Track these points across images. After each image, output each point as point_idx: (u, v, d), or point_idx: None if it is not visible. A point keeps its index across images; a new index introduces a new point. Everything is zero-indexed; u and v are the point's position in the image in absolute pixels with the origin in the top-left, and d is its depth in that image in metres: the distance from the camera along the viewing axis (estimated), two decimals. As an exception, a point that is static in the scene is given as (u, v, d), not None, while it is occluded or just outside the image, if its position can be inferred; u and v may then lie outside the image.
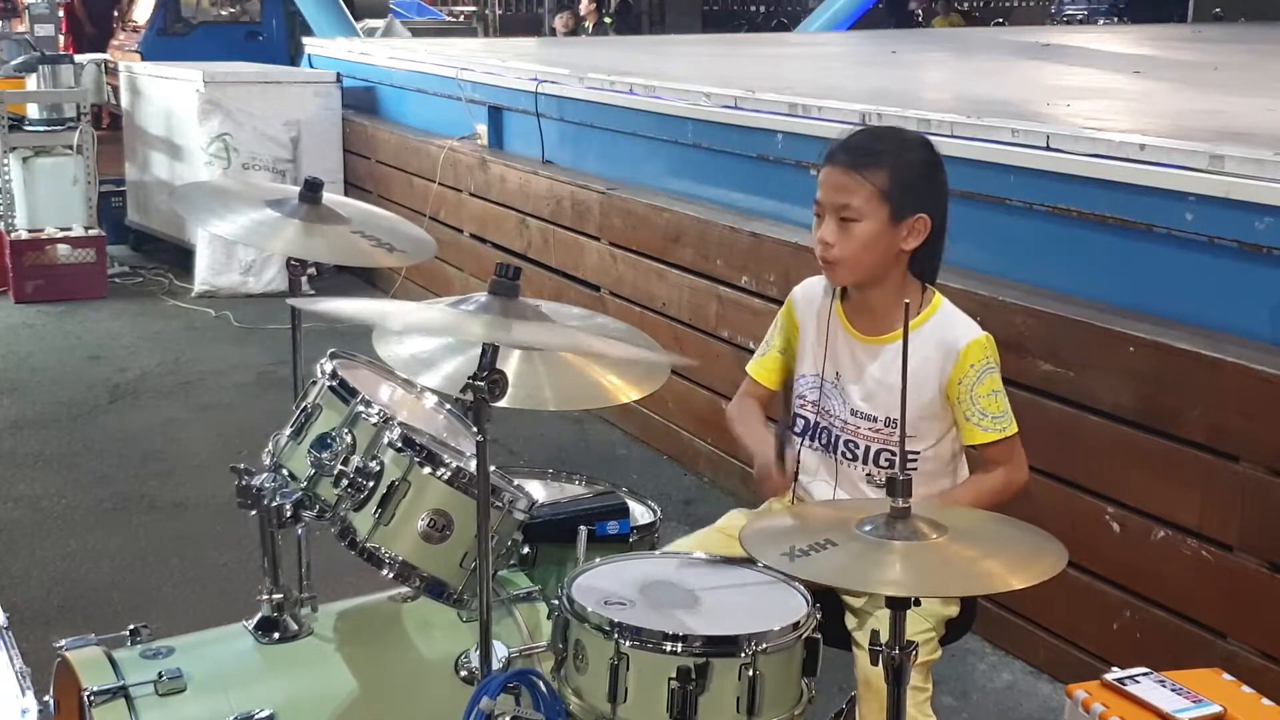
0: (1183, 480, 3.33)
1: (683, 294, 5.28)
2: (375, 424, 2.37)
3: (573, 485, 2.91)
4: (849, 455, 2.62)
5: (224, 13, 14.71)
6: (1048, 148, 3.98)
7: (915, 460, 2.56)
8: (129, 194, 9.21)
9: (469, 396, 2.13)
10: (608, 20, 14.79)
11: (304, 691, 2.45)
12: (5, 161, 8.14)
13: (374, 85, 8.97)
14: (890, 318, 2.58)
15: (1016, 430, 2.56)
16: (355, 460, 2.35)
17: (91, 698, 2.27)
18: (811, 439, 2.68)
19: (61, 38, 11.25)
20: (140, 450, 5.47)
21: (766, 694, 2.05)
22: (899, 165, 2.53)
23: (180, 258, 8.49)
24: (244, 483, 2.47)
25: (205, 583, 4.23)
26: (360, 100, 8.91)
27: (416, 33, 15.02)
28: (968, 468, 2.68)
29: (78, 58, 9.12)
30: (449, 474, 2.33)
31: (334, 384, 2.47)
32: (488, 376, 2.12)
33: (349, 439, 2.38)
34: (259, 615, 2.51)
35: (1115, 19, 19.67)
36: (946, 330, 2.57)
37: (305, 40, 10.72)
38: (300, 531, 2.51)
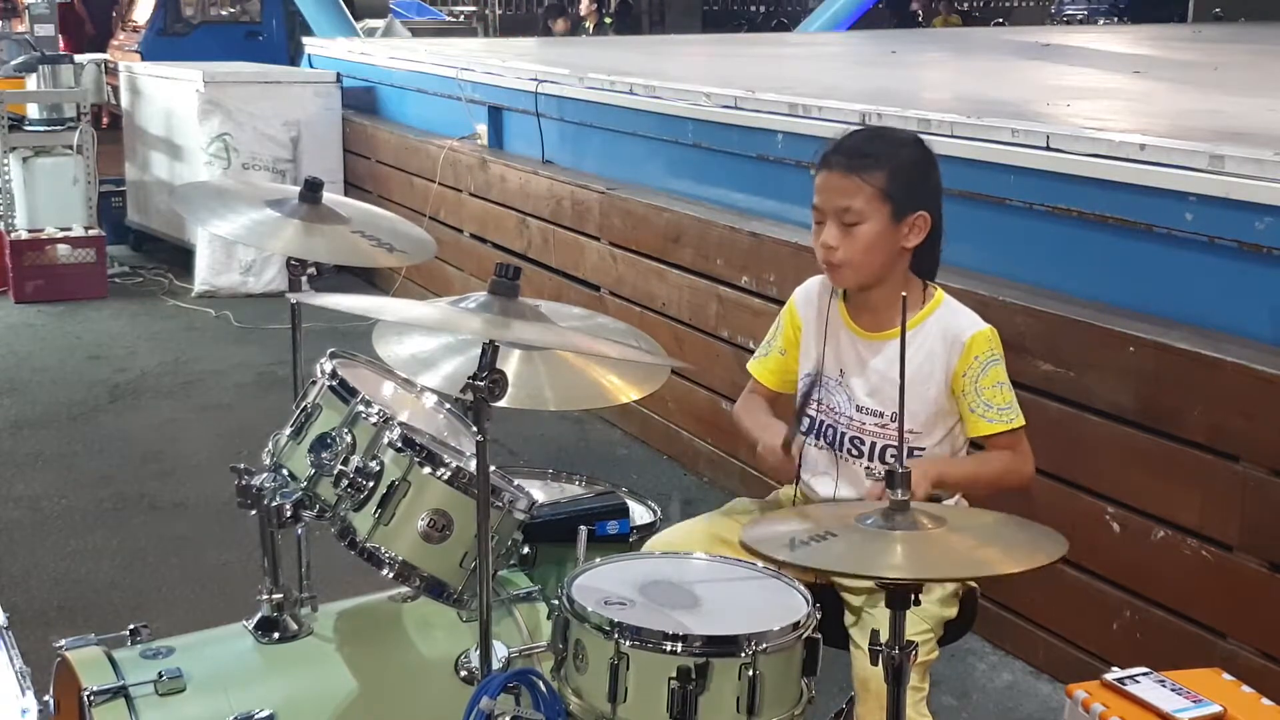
0: (1183, 480, 3.33)
1: (683, 294, 5.28)
2: (375, 424, 2.37)
3: (573, 485, 2.91)
4: (854, 452, 2.62)
5: (224, 13, 14.72)
6: (1048, 148, 3.98)
7: (919, 456, 2.56)
8: (129, 194, 9.21)
9: (469, 396, 2.13)
10: (608, 20, 14.79)
11: (304, 691, 2.45)
12: (5, 161, 8.14)
13: (374, 85, 8.97)
14: (892, 314, 2.57)
15: (1024, 424, 2.56)
16: (355, 460, 2.35)
17: (91, 698, 2.27)
18: (816, 436, 2.68)
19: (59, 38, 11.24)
20: (140, 450, 5.47)
21: (766, 694, 2.05)
22: (896, 164, 2.54)
23: (180, 258, 8.49)
24: (244, 483, 2.47)
25: (205, 583, 4.23)
26: (360, 100, 8.91)
27: (416, 33, 15.03)
28: None
29: (78, 58, 9.12)
30: (449, 474, 2.33)
31: (334, 384, 2.47)
32: (488, 376, 2.12)
33: (349, 439, 2.38)
34: (259, 615, 2.51)
35: (1115, 19, 19.68)
36: (950, 324, 2.58)
37: (305, 40, 10.72)
38: (300, 531, 2.52)
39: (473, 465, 2.27)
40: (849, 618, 2.55)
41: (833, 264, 2.57)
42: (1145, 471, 3.43)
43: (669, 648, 2.03)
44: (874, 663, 1.98)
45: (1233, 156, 3.48)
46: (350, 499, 2.35)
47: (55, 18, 10.01)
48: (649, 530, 2.74)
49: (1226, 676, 2.39)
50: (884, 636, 1.97)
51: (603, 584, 2.22)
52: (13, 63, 8.80)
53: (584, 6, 15.10)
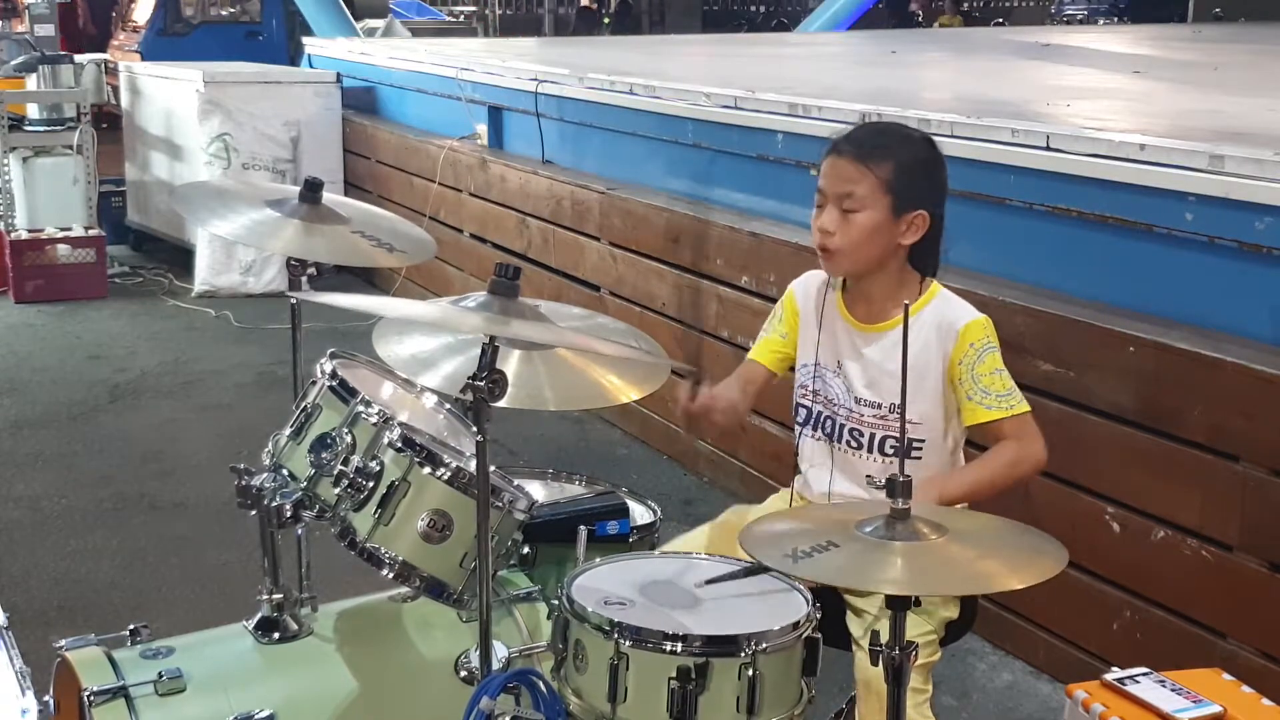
0: (1183, 480, 3.33)
1: (683, 294, 5.28)
2: (375, 424, 2.37)
3: (573, 485, 2.91)
4: (854, 444, 2.62)
5: (224, 13, 14.72)
6: (1048, 148, 3.98)
7: (920, 449, 2.56)
8: (129, 194, 9.21)
9: (469, 396, 2.13)
10: (605, 21, 14.78)
11: (304, 691, 2.45)
12: (5, 161, 8.14)
13: (374, 85, 8.97)
14: (888, 306, 2.60)
15: (1028, 408, 2.55)
16: (355, 460, 2.35)
17: (91, 698, 2.27)
18: (814, 428, 2.68)
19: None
20: (140, 450, 5.47)
21: (766, 694, 2.05)
22: (904, 159, 2.55)
23: (180, 258, 8.49)
24: (244, 483, 2.47)
25: (205, 583, 4.23)
26: (360, 100, 8.91)
27: (416, 33, 15.02)
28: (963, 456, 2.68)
29: (77, 58, 9.12)
30: (449, 474, 2.33)
31: (334, 384, 2.47)
32: (488, 376, 2.12)
33: (349, 439, 2.38)
34: (259, 615, 2.51)
35: (1115, 19, 19.68)
36: (944, 314, 2.58)
37: (305, 40, 10.72)
38: (300, 531, 2.52)
39: (473, 465, 2.27)
40: (853, 622, 2.54)
41: (827, 249, 2.57)
42: (1145, 471, 3.43)
43: (669, 648, 2.03)
44: (874, 663, 1.98)
45: (1233, 156, 3.48)
46: (350, 499, 2.35)
47: (55, 18, 10.02)
48: (649, 530, 2.74)
49: (1226, 676, 2.39)
50: (884, 637, 1.97)
51: (603, 584, 2.22)
52: (13, 63, 8.81)
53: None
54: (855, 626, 2.54)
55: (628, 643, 2.04)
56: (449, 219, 7.28)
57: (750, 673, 2.03)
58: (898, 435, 2.55)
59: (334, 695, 2.44)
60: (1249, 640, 3.18)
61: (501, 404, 2.17)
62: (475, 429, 2.16)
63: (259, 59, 10.75)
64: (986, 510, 2.26)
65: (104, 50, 13.64)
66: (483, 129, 7.27)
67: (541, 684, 2.20)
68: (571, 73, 6.64)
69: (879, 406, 2.59)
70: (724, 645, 2.04)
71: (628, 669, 2.04)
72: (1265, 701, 2.31)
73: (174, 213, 8.02)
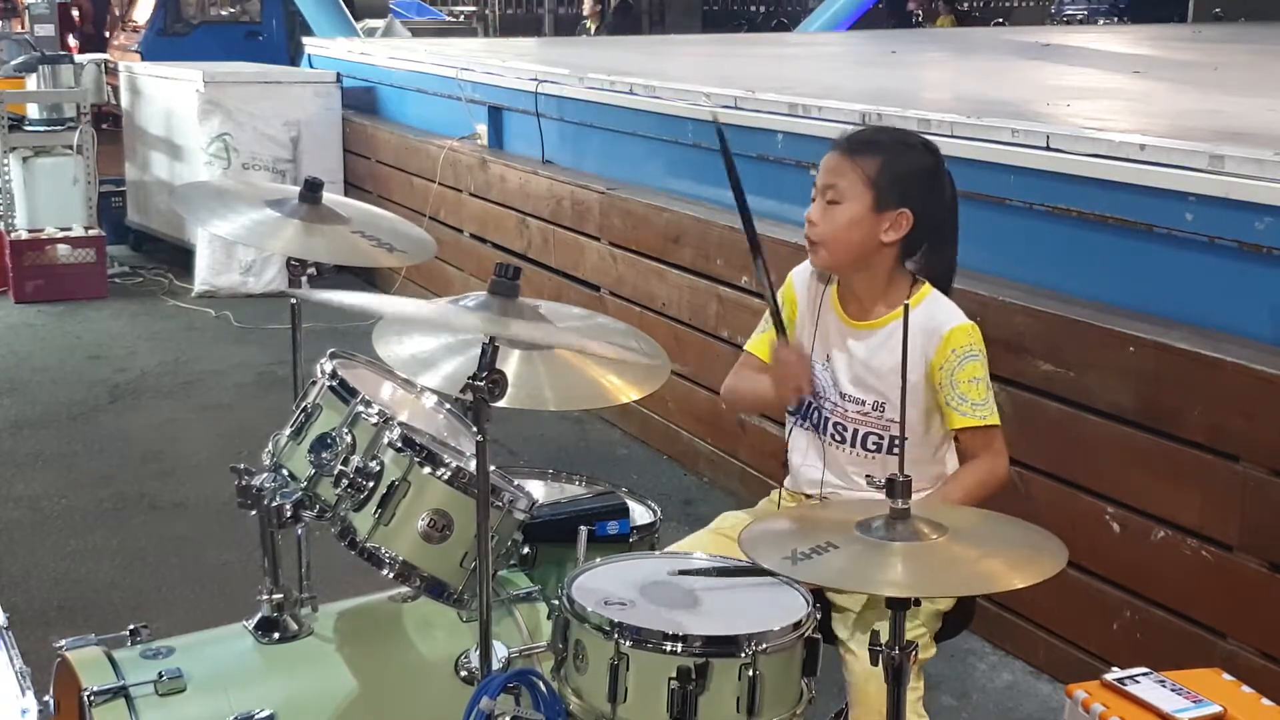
0: (1183, 480, 3.33)
1: (683, 294, 5.28)
2: (375, 424, 2.37)
3: (573, 485, 2.91)
4: (837, 437, 2.64)
5: (224, 13, 14.72)
6: (1048, 148, 3.98)
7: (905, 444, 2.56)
8: (129, 194, 9.21)
9: (469, 396, 2.13)
10: (590, 25, 14.76)
11: (304, 691, 2.45)
12: (5, 161, 8.14)
13: (374, 85, 8.97)
14: (876, 304, 2.63)
15: (997, 423, 2.57)
16: (355, 460, 2.35)
17: (91, 698, 2.26)
18: (803, 418, 2.71)
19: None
20: (140, 450, 5.47)
21: (766, 694, 2.04)
22: (893, 158, 2.57)
23: (180, 258, 8.49)
24: (244, 483, 2.47)
25: (205, 583, 4.22)
26: (360, 100, 8.91)
27: (416, 33, 15.03)
28: (955, 457, 2.68)
29: (77, 58, 9.12)
30: (449, 474, 2.33)
31: (334, 384, 2.47)
32: (488, 376, 2.12)
33: (349, 439, 2.38)
34: (259, 615, 2.51)
35: (1115, 19, 19.67)
36: (930, 317, 2.59)
37: (305, 40, 10.72)
38: (300, 531, 2.51)
39: (473, 465, 2.27)
40: (839, 625, 2.54)
41: (811, 240, 2.62)
42: (1145, 471, 3.43)
43: (669, 648, 2.03)
44: (874, 663, 1.98)
45: (1233, 156, 3.48)
46: (350, 499, 2.34)
47: (55, 18, 10.02)
48: (649, 530, 2.74)
49: (1226, 676, 2.39)
50: (884, 637, 1.97)
51: (603, 584, 2.22)
52: (13, 63, 8.81)
53: (587, 7, 15.10)
54: (840, 628, 2.54)
55: (628, 643, 2.04)
56: (449, 219, 7.28)
57: (750, 673, 2.03)
58: (879, 432, 2.58)
59: (334, 695, 2.44)
60: (1249, 640, 3.18)
61: (501, 404, 2.17)
62: (475, 429, 2.16)
63: (259, 59, 10.75)
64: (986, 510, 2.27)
65: (100, 50, 13.64)
66: (483, 129, 7.27)
67: (541, 684, 2.20)
68: (571, 73, 6.64)
69: (863, 403, 2.61)
70: (724, 645, 2.04)
71: (628, 669, 2.04)
72: (1265, 701, 2.31)
73: (174, 213, 8.02)
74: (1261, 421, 3.14)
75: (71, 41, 13.93)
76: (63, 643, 2.39)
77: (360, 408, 2.39)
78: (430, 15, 19.88)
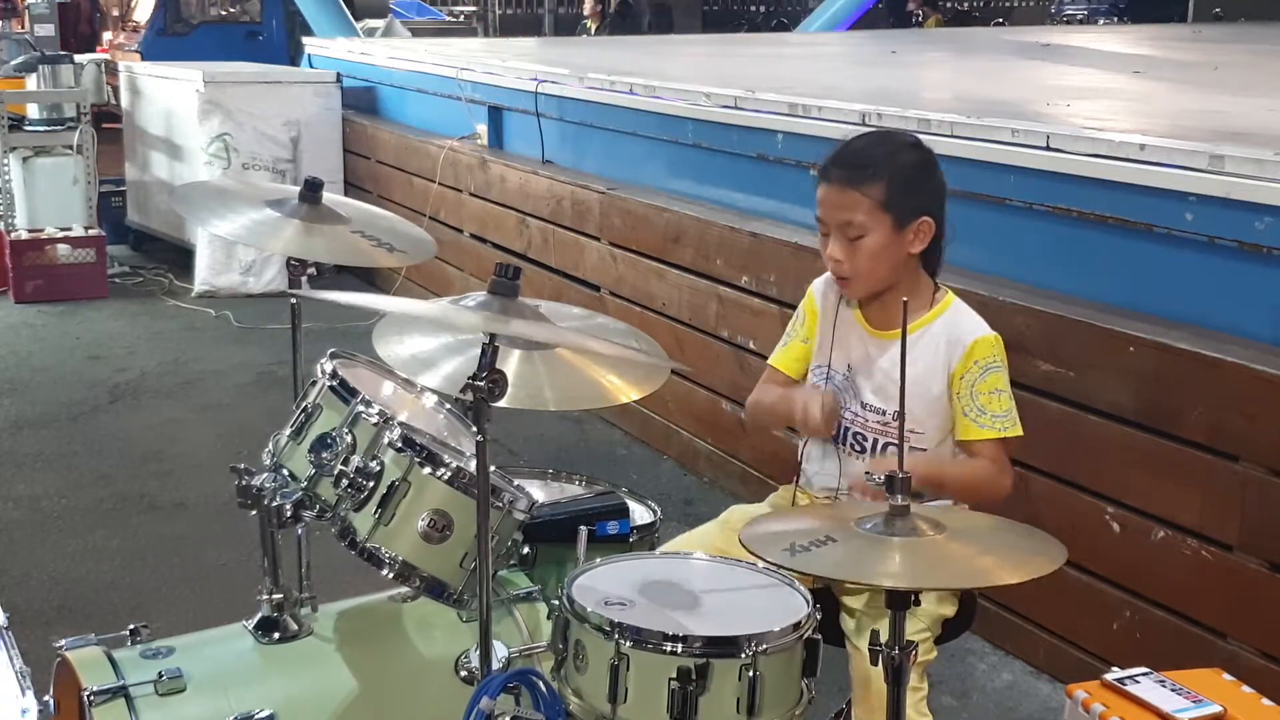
0: (1183, 480, 3.33)
1: (683, 294, 5.28)
2: (375, 424, 2.37)
3: (573, 485, 2.91)
4: (856, 448, 2.63)
5: (224, 13, 14.71)
6: (1048, 148, 3.98)
7: (921, 454, 2.56)
8: (129, 194, 9.21)
9: (469, 396, 2.13)
10: (590, 24, 14.74)
11: (304, 691, 2.45)
12: (5, 161, 8.14)
13: (374, 85, 8.97)
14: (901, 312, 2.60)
15: (1019, 433, 2.55)
16: (355, 460, 2.35)
17: (91, 698, 2.26)
18: None
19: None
20: (140, 450, 5.47)
21: (766, 694, 2.05)
22: (894, 173, 2.54)
23: (180, 258, 8.49)
24: (244, 483, 2.47)
25: (205, 583, 4.22)
26: (360, 100, 8.91)
27: (416, 33, 15.02)
28: None
29: (78, 57, 9.12)
30: (449, 474, 2.33)
31: (334, 384, 2.47)
32: (488, 376, 2.12)
33: (349, 439, 2.38)
34: (259, 615, 2.51)
35: (1115, 19, 19.67)
36: (955, 327, 2.59)
37: (305, 40, 10.72)
38: (300, 531, 2.51)
39: (473, 465, 2.27)
40: (848, 623, 2.55)
41: (842, 277, 2.59)
42: (1145, 471, 3.43)
43: (669, 648, 2.04)
44: (874, 663, 1.98)
45: (1233, 156, 3.48)
46: (350, 499, 2.35)
47: (55, 18, 10.03)
48: (649, 530, 2.74)
49: (1226, 676, 2.39)
50: (884, 637, 1.97)
51: (603, 584, 2.22)
52: (13, 63, 8.81)
53: (588, 7, 15.09)
54: (848, 625, 2.54)
55: (628, 643, 2.05)
56: (449, 219, 7.28)
57: (750, 673, 2.03)
58: (898, 443, 2.56)
59: (334, 695, 2.44)
60: (1249, 640, 3.18)
61: (501, 404, 2.17)
62: (475, 429, 2.16)
63: (259, 59, 10.75)
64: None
65: (92, 50, 13.62)
66: (483, 129, 7.27)
67: (541, 684, 2.20)
68: (571, 73, 6.64)
69: (883, 413, 2.59)
70: (724, 646, 2.04)
71: (628, 669, 2.04)
72: (1265, 701, 2.31)
73: (174, 213, 8.01)
74: (1261, 421, 3.14)
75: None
76: (63, 643, 2.39)
77: (360, 408, 2.39)
78: (430, 15, 19.85)
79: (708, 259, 5.11)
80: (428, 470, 2.33)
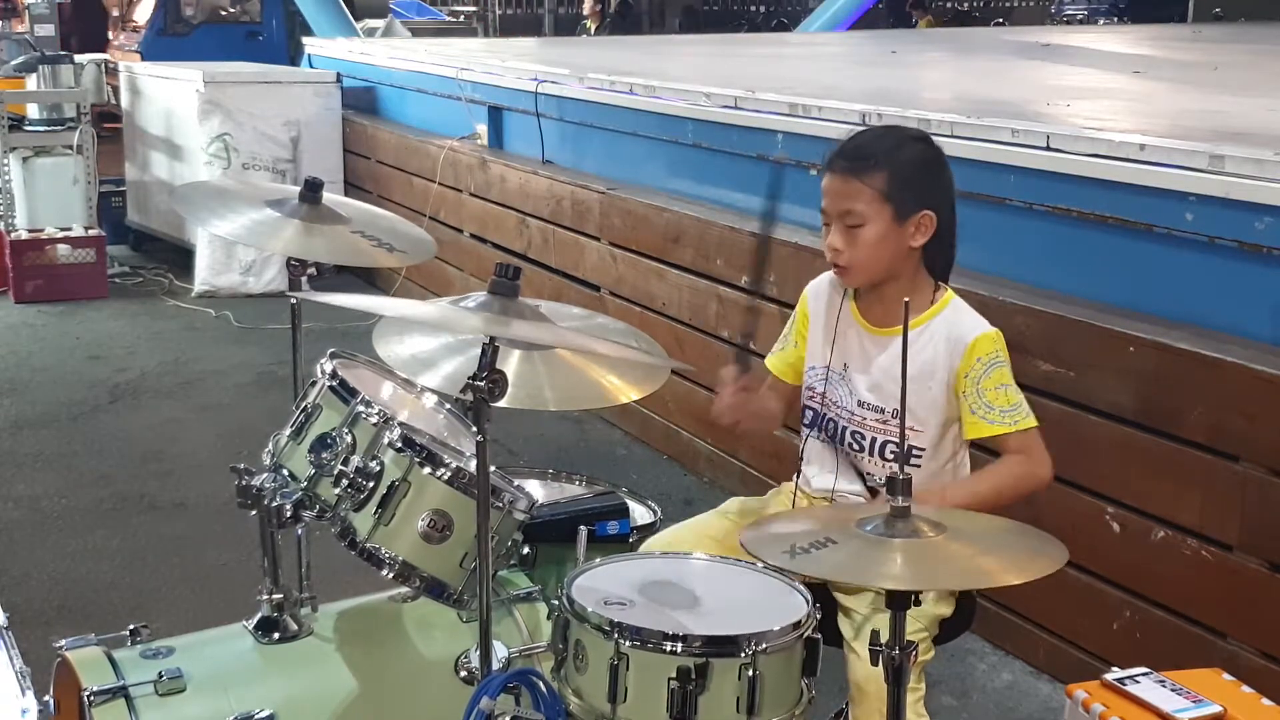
0: (1183, 480, 3.33)
1: (683, 294, 5.28)
2: (375, 424, 2.37)
3: (573, 485, 2.91)
4: (856, 447, 2.62)
5: (224, 13, 14.71)
6: (1048, 148, 3.98)
7: (919, 456, 2.56)
8: (129, 194, 9.21)
9: (469, 396, 2.13)
10: (590, 24, 14.74)
11: (304, 691, 2.45)
12: (5, 161, 8.14)
13: (374, 85, 8.97)
14: (901, 310, 2.59)
15: (1035, 424, 2.54)
16: (355, 460, 2.35)
17: (91, 698, 2.27)
18: (818, 430, 2.68)
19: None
20: (140, 450, 5.47)
21: (766, 694, 2.05)
22: (897, 165, 2.54)
23: (180, 258, 8.49)
24: (244, 483, 2.47)
25: (205, 583, 4.22)
26: (360, 100, 8.91)
27: (416, 33, 15.02)
28: (968, 466, 2.68)
29: (78, 57, 9.12)
30: (449, 474, 2.33)
31: (334, 384, 2.47)
32: (488, 376, 2.12)
33: (349, 439, 2.38)
34: (259, 615, 2.51)
35: (1115, 19, 19.67)
36: (955, 325, 2.58)
37: (305, 40, 10.72)
38: (300, 531, 2.52)
39: (473, 465, 2.27)
40: (845, 624, 2.54)
41: (840, 266, 2.59)
42: (1145, 471, 3.43)
43: (669, 648, 2.04)
44: (874, 663, 1.98)
45: (1233, 156, 3.48)
46: (350, 499, 2.35)
47: (55, 18, 10.02)
48: (649, 530, 2.74)
49: (1226, 676, 2.39)
50: (884, 637, 1.97)
51: (603, 584, 2.22)
52: (13, 63, 8.81)
53: (588, 7, 15.08)
54: (846, 627, 2.54)
55: (628, 643, 2.05)
56: (449, 219, 7.28)
57: (750, 673, 2.03)
58: (897, 441, 2.55)
59: (334, 695, 2.44)
60: (1249, 640, 3.18)
61: (501, 404, 2.17)
62: (475, 429, 2.16)
63: (259, 59, 10.75)
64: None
65: (103, 47, 13.62)
66: (483, 129, 7.27)
67: (541, 684, 2.20)
68: (571, 73, 6.64)
69: (882, 411, 2.59)
70: (724, 645, 2.04)
71: (628, 669, 2.04)
72: (1265, 701, 2.31)
73: (174, 213, 8.01)
74: (1261, 421, 3.14)
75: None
76: (63, 643, 2.39)
77: (360, 408, 2.39)
78: (430, 15, 19.85)
79: (708, 259, 5.11)
80: (428, 470, 2.33)
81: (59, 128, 8.33)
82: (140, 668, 2.34)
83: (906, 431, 2.51)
